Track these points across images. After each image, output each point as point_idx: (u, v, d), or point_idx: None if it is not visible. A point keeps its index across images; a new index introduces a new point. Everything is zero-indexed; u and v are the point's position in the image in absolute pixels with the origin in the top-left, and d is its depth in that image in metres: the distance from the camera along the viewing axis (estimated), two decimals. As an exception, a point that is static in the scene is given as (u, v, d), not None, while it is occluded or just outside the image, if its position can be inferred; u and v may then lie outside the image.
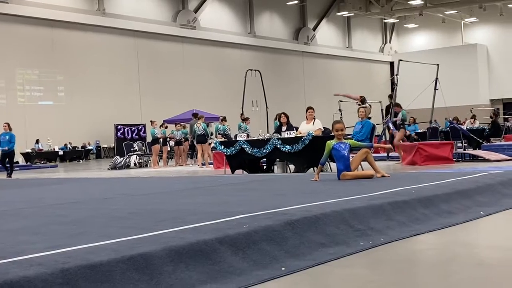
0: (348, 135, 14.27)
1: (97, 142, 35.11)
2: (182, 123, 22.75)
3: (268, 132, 16.92)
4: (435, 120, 19.80)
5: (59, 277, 3.03)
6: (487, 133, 21.44)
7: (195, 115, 21.19)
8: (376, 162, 8.57)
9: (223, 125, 20.43)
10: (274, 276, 3.53)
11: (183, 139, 20.99)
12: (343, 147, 8.02)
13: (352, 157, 8.59)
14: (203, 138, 18.82)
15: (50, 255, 3.42)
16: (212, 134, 20.56)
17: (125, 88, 35.44)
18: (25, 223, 5.18)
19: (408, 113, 18.35)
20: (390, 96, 16.98)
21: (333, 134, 8.45)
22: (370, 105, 14.30)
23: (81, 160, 32.56)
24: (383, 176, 7.98)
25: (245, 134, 13.57)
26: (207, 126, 20.06)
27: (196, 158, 21.12)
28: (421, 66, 20.01)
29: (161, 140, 20.42)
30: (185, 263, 3.48)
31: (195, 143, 19.41)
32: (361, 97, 16.54)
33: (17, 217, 5.75)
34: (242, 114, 21.43)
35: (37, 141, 31.47)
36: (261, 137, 12.53)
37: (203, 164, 18.65)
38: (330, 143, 8.06)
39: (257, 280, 3.44)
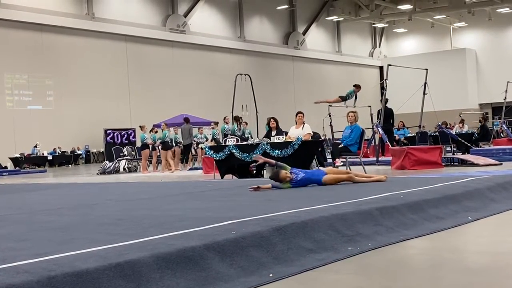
0: (338, 139, 14.29)
1: (87, 146, 34.98)
2: (176, 127, 22.76)
3: (258, 137, 16.94)
4: (423, 126, 19.90)
5: (45, 284, 3.02)
6: (476, 137, 21.53)
7: (186, 120, 21.27)
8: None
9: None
10: (262, 282, 3.53)
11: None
12: (296, 175, 7.74)
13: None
14: (168, 145, 19.42)
15: (37, 262, 3.39)
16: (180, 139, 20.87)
17: (115, 93, 35.33)
18: (12, 230, 5.14)
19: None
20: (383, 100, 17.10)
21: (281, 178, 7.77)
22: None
23: (70, 165, 32.40)
24: (379, 180, 7.94)
25: (235, 139, 13.55)
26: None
27: (186, 163, 21.15)
28: (410, 70, 20.07)
29: (150, 145, 20.38)
30: (172, 270, 3.47)
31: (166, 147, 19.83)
32: (340, 97, 16.59)
33: (4, 223, 5.71)
34: (240, 117, 21.68)
35: (36, 146, 31.36)
36: (250, 142, 12.52)
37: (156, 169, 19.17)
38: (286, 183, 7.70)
39: (244, 287, 3.44)
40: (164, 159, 19.59)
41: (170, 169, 19.11)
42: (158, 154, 21.33)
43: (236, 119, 20.38)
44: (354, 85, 16.81)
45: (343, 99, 16.45)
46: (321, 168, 8.33)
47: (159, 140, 19.86)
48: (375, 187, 7.15)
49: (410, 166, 12.68)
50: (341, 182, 7.87)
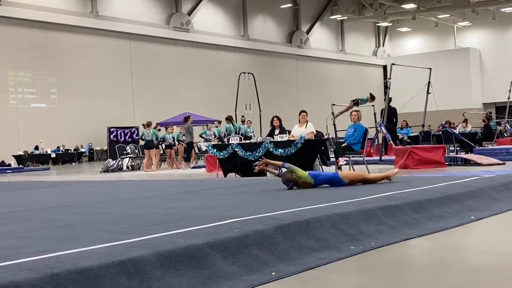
0: (341, 138, 14.29)
1: (90, 144, 35.02)
2: (182, 127, 22.81)
3: (261, 135, 16.93)
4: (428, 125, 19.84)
5: (48, 282, 3.02)
6: (479, 137, 21.49)
7: (186, 118, 21.33)
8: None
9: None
10: (264, 281, 3.53)
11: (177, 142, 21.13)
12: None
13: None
14: (152, 144, 19.37)
15: (39, 259, 3.40)
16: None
17: (118, 91, 35.36)
18: (15, 227, 5.15)
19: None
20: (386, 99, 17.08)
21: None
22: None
23: (73, 163, 32.44)
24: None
25: (238, 137, 13.55)
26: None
27: (189, 161, 21.16)
28: (414, 69, 20.05)
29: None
30: (175, 268, 3.47)
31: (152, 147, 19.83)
32: (352, 101, 16.54)
33: (7, 220, 5.73)
34: (243, 116, 21.68)
35: (37, 148, 31.47)
36: (253, 140, 12.52)
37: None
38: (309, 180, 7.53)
39: (247, 285, 3.44)
40: (148, 158, 19.47)
41: (149, 170, 19.14)
42: (161, 152, 21.35)
43: (229, 119, 20.40)
44: (371, 95, 16.54)
45: (355, 103, 16.40)
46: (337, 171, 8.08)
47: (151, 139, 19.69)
48: (378, 187, 7.15)
49: (413, 166, 12.66)
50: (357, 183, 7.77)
